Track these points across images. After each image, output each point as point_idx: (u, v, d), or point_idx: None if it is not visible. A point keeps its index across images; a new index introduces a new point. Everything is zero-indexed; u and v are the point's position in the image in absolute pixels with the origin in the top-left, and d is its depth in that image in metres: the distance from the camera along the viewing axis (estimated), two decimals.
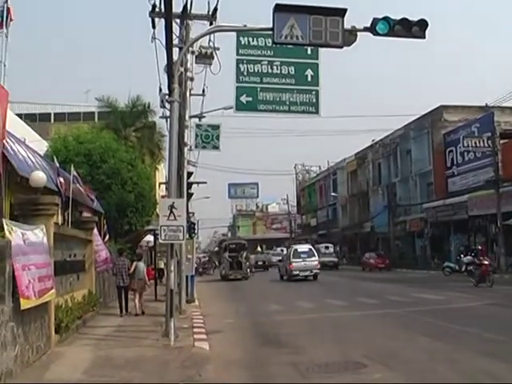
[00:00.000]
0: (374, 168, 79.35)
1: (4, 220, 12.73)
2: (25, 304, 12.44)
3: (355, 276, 53.94)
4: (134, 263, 25.17)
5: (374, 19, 16.25)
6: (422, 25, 16.29)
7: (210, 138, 31.14)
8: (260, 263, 73.27)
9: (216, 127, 31.73)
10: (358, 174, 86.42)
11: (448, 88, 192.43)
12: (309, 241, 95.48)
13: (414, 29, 16.27)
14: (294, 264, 48.75)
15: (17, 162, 16.86)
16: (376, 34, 16.27)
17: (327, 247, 75.78)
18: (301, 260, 48.93)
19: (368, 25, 16.35)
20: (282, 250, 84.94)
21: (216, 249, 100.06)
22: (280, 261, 61.94)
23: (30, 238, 13.72)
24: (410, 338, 16.85)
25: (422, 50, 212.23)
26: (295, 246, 54.46)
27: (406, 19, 16.22)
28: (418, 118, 65.13)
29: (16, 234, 12.69)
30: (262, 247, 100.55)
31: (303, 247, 53.30)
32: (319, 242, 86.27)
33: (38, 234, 14.53)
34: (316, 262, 49.32)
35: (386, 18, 16.21)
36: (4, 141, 15.58)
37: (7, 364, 11.47)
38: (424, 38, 16.35)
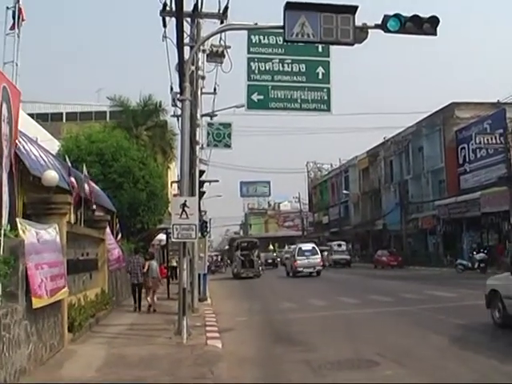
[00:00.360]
0: (386, 165, 79.17)
1: (18, 219, 12.79)
2: (37, 303, 12.49)
3: (368, 274, 53.87)
4: (147, 262, 25.33)
5: (385, 16, 16.21)
6: (434, 22, 16.24)
7: (221, 136, 31.18)
8: (269, 261, 74.98)
9: (227, 125, 31.76)
10: (369, 171, 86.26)
11: (459, 85, 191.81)
12: (321, 239, 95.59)
13: (425, 26, 16.22)
14: (298, 261, 51.96)
15: (29, 162, 16.92)
16: (387, 31, 16.24)
17: (340, 245, 75.85)
18: (305, 258, 52.14)
19: (379, 22, 16.32)
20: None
21: (226, 247, 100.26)
22: (286, 259, 63.78)
23: (44, 237, 13.79)
24: (422, 335, 16.83)
25: (432, 46, 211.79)
26: (300, 245, 57.01)
27: (418, 16, 16.17)
28: (429, 115, 64.92)
29: (30, 232, 12.75)
30: (274, 245, 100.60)
31: (307, 246, 55.65)
32: (331, 239, 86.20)
33: (51, 233, 14.59)
34: (319, 260, 52.59)
35: (397, 15, 16.17)
36: (16, 140, 15.65)
37: (21, 362, 11.54)
38: (435, 34, 16.30)
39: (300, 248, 53.96)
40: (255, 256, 55.62)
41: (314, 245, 56.96)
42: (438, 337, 16.22)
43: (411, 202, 69.66)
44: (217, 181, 43.20)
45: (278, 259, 78.49)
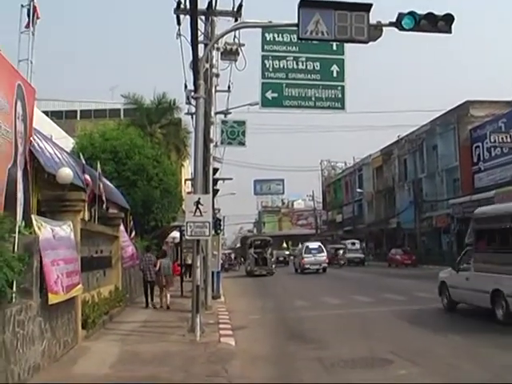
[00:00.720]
0: (400, 164, 78.95)
1: (33, 216, 12.85)
2: (53, 299, 12.54)
3: (381, 272, 53.76)
4: (159, 261, 25.44)
5: (400, 14, 16.18)
6: (448, 19, 16.18)
7: (235, 134, 31.20)
8: (281, 259, 76.01)
9: (242, 123, 31.78)
10: (383, 169, 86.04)
11: (472, 84, 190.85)
12: (334, 237, 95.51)
13: (439, 23, 16.18)
14: (305, 259, 55.40)
15: (44, 159, 16.98)
16: (402, 28, 16.20)
17: (353, 243, 75.82)
18: (311, 255, 55.48)
19: (393, 20, 16.28)
20: None
21: (238, 245, 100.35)
22: (295, 256, 66.71)
23: (59, 234, 13.84)
24: (436, 334, 16.79)
25: (445, 44, 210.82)
26: (307, 243, 59.93)
27: (432, 14, 16.12)
28: (444, 114, 64.69)
29: (45, 229, 12.80)
30: (287, 243, 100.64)
31: (314, 244, 59.07)
32: (345, 238, 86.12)
33: (65, 230, 14.65)
34: (324, 258, 55.70)
35: (411, 13, 16.13)
36: (31, 138, 15.71)
37: (35, 358, 11.58)
38: (450, 32, 16.25)
39: (307, 246, 57.32)
40: (268, 254, 55.88)
41: (320, 243, 60.03)
42: (454, 336, 16.17)
43: (425, 200, 69.43)
44: (230, 179, 43.27)
45: (291, 257, 78.74)
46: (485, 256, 19.00)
